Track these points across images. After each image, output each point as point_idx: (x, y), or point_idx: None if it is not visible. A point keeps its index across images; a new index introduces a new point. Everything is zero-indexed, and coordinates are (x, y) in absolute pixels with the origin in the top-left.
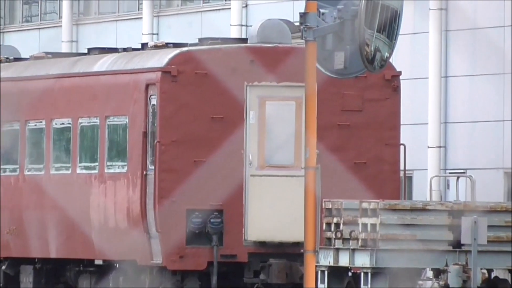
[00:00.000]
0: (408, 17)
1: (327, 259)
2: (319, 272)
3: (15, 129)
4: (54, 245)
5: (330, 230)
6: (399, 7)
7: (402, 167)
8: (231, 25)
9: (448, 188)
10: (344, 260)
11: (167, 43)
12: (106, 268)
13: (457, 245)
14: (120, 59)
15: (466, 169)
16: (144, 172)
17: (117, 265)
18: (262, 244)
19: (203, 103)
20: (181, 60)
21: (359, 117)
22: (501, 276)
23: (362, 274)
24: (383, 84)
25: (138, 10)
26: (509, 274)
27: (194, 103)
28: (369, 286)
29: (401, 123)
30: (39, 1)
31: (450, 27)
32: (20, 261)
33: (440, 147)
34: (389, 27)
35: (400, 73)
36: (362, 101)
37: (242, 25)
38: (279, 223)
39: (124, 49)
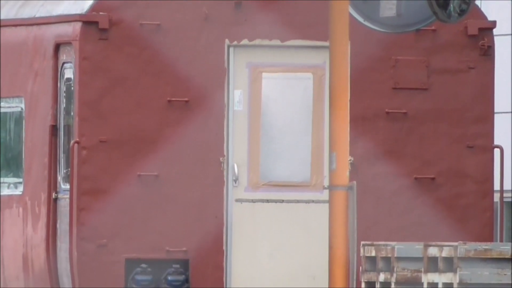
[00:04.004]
0: None
1: None
2: None
3: None
4: None
5: None
6: None
7: (497, 185)
8: None
9: None
10: None
11: None
12: None
13: None
14: (10, 1)
15: None
16: (53, 195)
17: None
18: None
19: (153, 77)
20: (115, 3)
21: (423, 100)
22: None
23: None
24: (465, 43)
25: None
26: None
27: (138, 76)
28: None
29: (496, 110)
30: None
31: None
32: None
33: None
34: None
35: (494, 24)
36: (427, 72)
37: None
38: (285, 283)
39: None
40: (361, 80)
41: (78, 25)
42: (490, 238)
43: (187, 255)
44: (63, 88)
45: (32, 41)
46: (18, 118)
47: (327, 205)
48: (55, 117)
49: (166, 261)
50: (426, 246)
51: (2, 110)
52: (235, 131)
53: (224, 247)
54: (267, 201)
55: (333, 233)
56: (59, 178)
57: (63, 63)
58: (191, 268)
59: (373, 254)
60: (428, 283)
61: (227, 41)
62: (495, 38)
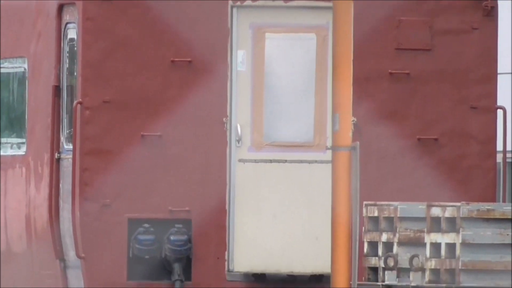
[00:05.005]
0: None
1: None
2: None
3: None
4: None
5: (376, 255)
6: None
7: (500, 146)
8: None
9: None
10: None
11: None
12: None
13: None
14: None
15: None
16: (56, 155)
17: None
18: (259, 278)
19: (156, 38)
20: None
21: (426, 60)
22: None
23: None
24: (468, 4)
25: None
26: None
27: (142, 37)
28: None
29: (499, 71)
30: None
31: None
32: None
33: None
34: None
35: None
36: (430, 33)
37: None
38: (288, 243)
39: None
40: (364, 41)
41: None
42: (492, 198)
43: (190, 215)
44: (66, 49)
45: (35, 2)
46: (21, 79)
47: (330, 165)
48: (58, 77)
49: (169, 221)
50: (429, 206)
51: (5, 70)
52: (238, 91)
53: (227, 207)
54: (270, 161)
55: (336, 194)
56: (62, 139)
57: (67, 24)
58: (193, 228)
59: (376, 214)
60: (431, 243)
61: (230, 2)
62: None
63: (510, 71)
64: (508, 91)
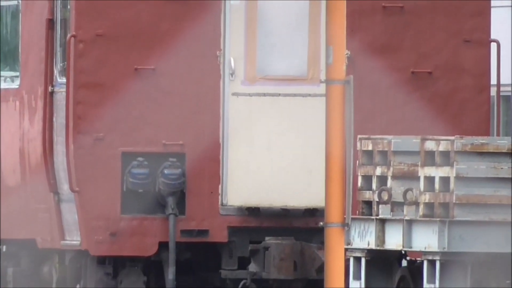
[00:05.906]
0: None
1: (365, 238)
2: (352, 260)
3: None
4: None
5: (370, 189)
6: None
7: (493, 80)
8: None
9: None
10: (394, 240)
11: None
12: None
13: None
14: None
15: None
16: (50, 89)
17: (3, 248)
18: (253, 212)
19: None
20: None
21: None
22: None
23: (425, 263)
24: None
25: None
26: None
27: None
28: (437, 285)
29: (492, 4)
30: None
31: None
32: None
33: None
34: None
35: None
36: None
37: None
38: (282, 177)
39: None
40: None
41: None
42: (486, 132)
43: (183, 149)
44: None
45: None
46: (15, 12)
47: (323, 98)
48: (51, 10)
49: (163, 154)
50: (423, 140)
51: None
52: (232, 25)
53: (220, 141)
54: (264, 94)
55: (329, 127)
56: (56, 72)
57: None
58: (187, 162)
59: (370, 148)
60: (425, 177)
61: None
62: None
63: (510, 4)
64: (508, 24)
